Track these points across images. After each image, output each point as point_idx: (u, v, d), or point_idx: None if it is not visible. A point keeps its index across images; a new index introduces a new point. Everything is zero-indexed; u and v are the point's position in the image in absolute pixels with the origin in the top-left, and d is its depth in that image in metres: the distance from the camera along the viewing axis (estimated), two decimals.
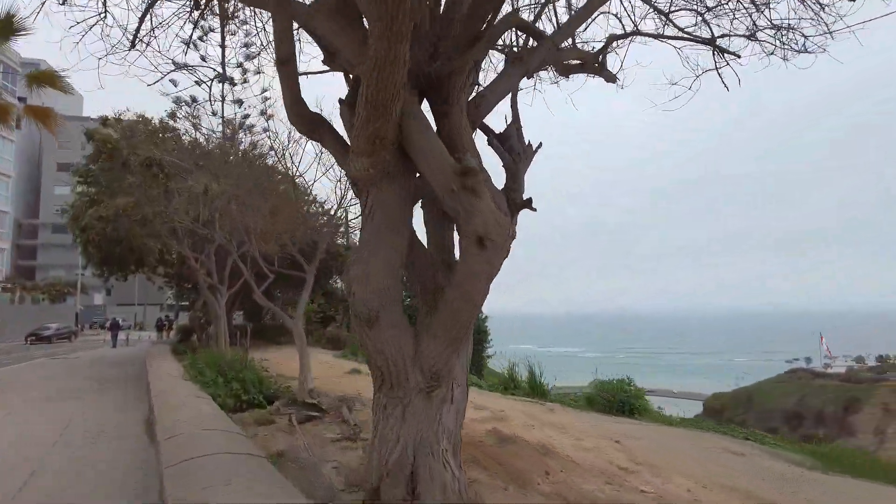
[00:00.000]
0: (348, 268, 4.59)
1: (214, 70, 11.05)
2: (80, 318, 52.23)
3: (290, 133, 11.80)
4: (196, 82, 12.57)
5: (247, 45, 26.16)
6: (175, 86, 14.43)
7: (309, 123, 5.00)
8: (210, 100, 15.88)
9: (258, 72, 22.92)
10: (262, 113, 21.38)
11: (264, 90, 22.42)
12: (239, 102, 22.84)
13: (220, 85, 14.20)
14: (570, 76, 8.21)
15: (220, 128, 19.53)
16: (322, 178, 12.40)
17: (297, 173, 11.83)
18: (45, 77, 17.06)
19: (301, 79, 5.12)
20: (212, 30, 10.57)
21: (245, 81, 24.67)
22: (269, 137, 11.84)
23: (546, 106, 9.34)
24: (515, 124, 6.06)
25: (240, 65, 26.11)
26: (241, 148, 16.26)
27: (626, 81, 8.39)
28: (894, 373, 69.70)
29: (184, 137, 17.79)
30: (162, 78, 9.39)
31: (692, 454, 8.15)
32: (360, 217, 13.38)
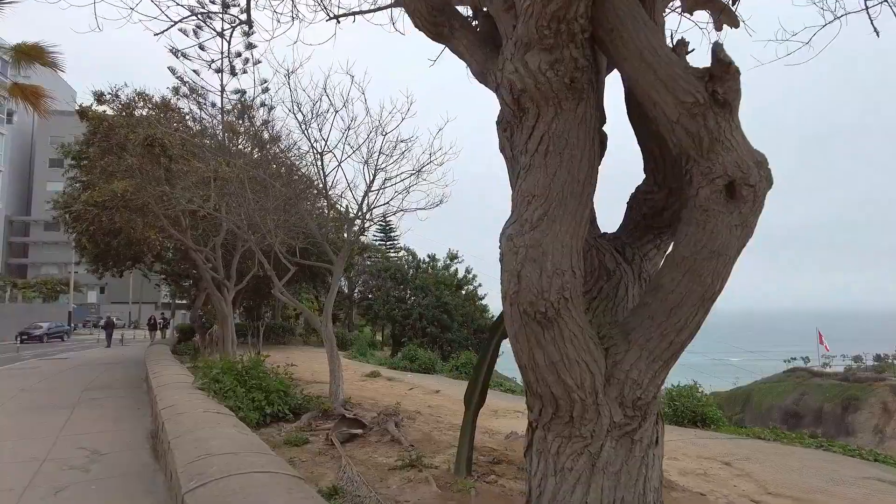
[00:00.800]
0: (507, 237, 2.82)
1: (236, 18, 9.19)
2: (72, 316, 49.88)
3: (315, 105, 10.00)
4: (217, 33, 10.80)
5: (247, 34, 24.07)
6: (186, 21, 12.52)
7: (434, 14, 3.25)
8: (225, 54, 13.99)
9: (258, 61, 20.94)
10: (263, 104, 19.51)
11: (265, 81, 20.52)
12: (241, 93, 20.95)
13: (246, 32, 12.36)
14: (694, 13, 6.57)
15: (222, 117, 17.72)
16: (349, 158, 10.61)
17: (326, 148, 10.02)
18: (32, 51, 15.09)
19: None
20: None
21: (245, 72, 22.74)
22: (292, 109, 9.95)
23: None
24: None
25: (239, 55, 24.11)
26: (252, 127, 14.46)
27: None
28: (892, 372, 68.85)
29: (187, 119, 15.95)
30: (172, 25, 7.60)
31: (834, 483, 6.51)
32: (388, 204, 11.67)
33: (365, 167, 10.54)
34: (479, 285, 37.14)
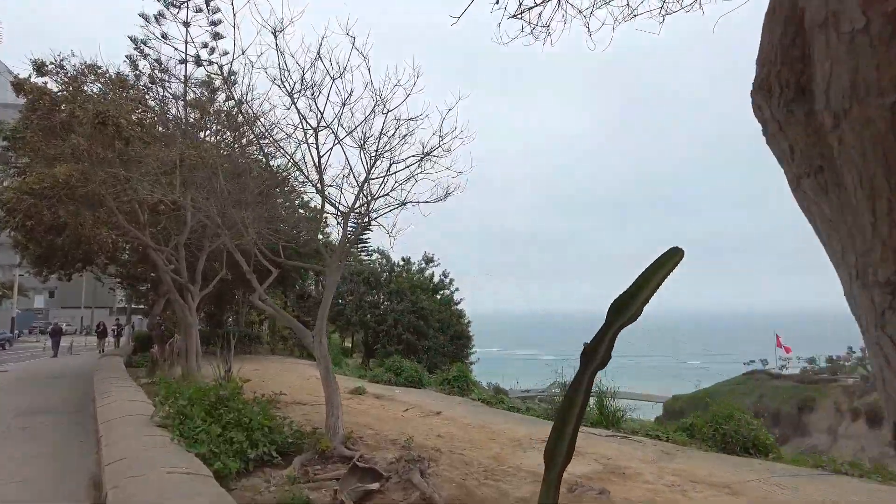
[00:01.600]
0: None
1: None
2: (16, 322, 45.65)
3: (307, 70, 7.98)
4: None
5: (214, 24, 21.58)
6: None
7: None
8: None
9: (225, 52, 18.76)
10: (229, 98, 17.24)
11: (232, 73, 18.27)
12: (207, 85, 18.70)
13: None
14: None
15: (184, 104, 15.51)
16: (345, 138, 8.59)
17: (321, 122, 8.00)
18: None
19: None
20: None
21: (211, 63, 20.41)
22: (280, 76, 7.90)
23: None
24: None
25: (205, 45, 21.71)
26: (222, 107, 12.37)
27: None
28: (843, 373, 70.39)
29: (148, 99, 13.61)
30: None
31: None
32: (388, 196, 9.72)
33: (361, 152, 8.60)
34: (456, 289, 35.34)
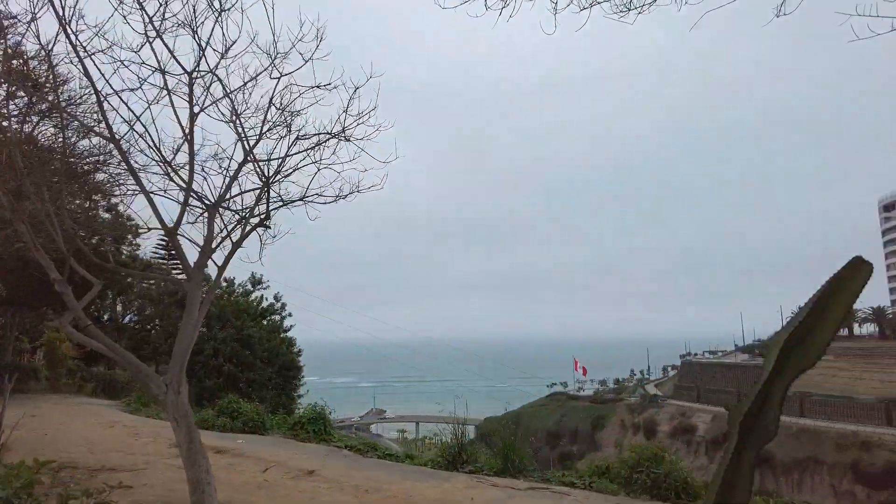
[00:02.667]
0: None
1: None
2: None
3: None
4: None
5: None
6: None
7: None
8: None
9: (32, 19, 14.69)
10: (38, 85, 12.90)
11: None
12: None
13: None
14: None
15: None
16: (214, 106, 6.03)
17: (202, 66, 5.40)
18: None
19: None
20: None
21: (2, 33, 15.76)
22: None
23: None
24: None
25: None
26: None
27: None
28: (627, 393, 79.48)
29: None
30: None
31: None
32: (274, 183, 7.15)
33: (237, 124, 6.15)
34: (289, 314, 31.77)
